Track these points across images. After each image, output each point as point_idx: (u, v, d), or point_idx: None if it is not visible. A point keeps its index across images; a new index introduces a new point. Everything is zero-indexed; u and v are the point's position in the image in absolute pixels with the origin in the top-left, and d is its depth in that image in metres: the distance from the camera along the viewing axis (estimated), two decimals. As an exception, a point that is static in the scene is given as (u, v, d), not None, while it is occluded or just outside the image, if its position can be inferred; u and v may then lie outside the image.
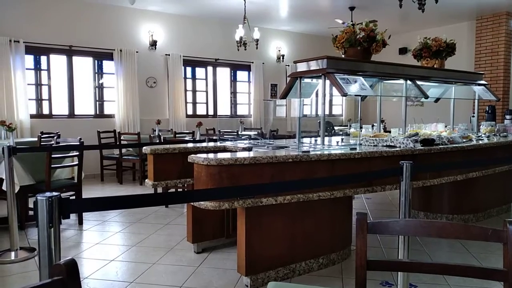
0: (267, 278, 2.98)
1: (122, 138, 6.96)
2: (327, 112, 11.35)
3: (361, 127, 4.66)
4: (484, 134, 4.74)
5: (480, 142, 4.11)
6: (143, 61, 8.21)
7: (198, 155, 2.72)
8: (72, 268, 0.94)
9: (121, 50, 7.87)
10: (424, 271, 1.31)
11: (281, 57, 10.07)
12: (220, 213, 3.65)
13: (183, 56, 8.61)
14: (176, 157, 3.39)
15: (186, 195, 2.33)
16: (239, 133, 7.30)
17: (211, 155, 2.69)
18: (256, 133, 7.22)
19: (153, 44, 8.29)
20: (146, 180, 3.47)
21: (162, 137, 6.11)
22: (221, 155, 2.68)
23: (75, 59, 7.66)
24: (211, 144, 3.81)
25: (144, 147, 3.41)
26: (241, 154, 2.83)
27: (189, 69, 8.94)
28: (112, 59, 7.90)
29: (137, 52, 8.07)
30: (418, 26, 9.41)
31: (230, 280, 3.04)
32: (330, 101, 11.19)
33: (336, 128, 8.33)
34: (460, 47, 8.78)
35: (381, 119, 8.27)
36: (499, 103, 8.14)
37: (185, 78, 8.82)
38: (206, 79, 9.20)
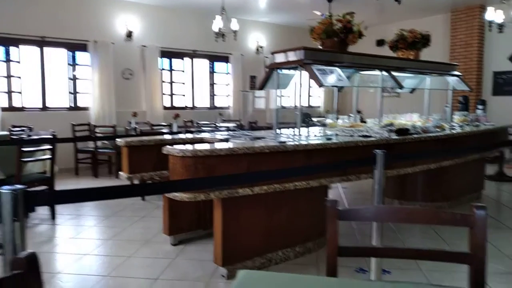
0: (243, 268, 2.97)
1: (97, 131, 6.82)
2: (305, 104, 11.47)
3: (337, 118, 4.70)
4: (457, 123, 4.84)
5: (453, 131, 4.20)
6: (119, 52, 8.03)
7: (173, 146, 2.68)
8: (32, 261, 0.90)
9: (96, 41, 7.67)
10: (394, 256, 1.33)
11: (260, 48, 10.03)
12: (196, 205, 3.62)
13: (160, 47, 8.46)
14: (151, 150, 3.34)
15: (160, 186, 2.30)
16: (218, 125, 7.25)
17: (186, 147, 2.66)
18: (235, 125, 7.18)
19: (129, 35, 8.11)
20: (120, 172, 3.41)
21: (138, 130, 6.01)
22: (196, 147, 2.65)
23: (48, 50, 7.43)
24: (188, 136, 3.77)
25: (118, 139, 3.35)
26: (217, 145, 2.81)
27: (166, 61, 8.80)
28: (86, 51, 7.70)
29: (112, 43, 7.89)
30: (395, 18, 9.51)
31: (206, 271, 3.03)
32: (309, 92, 11.26)
33: (314, 119, 8.38)
34: (436, 39, 8.93)
35: (358, 109, 8.35)
36: (472, 93, 8.33)
37: (162, 69, 8.68)
38: (184, 70, 9.08)
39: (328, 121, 4.70)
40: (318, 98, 11.48)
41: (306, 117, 7.30)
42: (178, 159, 2.59)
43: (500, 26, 6.62)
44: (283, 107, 10.17)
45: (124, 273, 3.05)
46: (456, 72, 5.09)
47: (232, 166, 2.67)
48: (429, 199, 4.57)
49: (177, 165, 2.59)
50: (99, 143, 6.96)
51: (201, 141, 3.53)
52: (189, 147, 2.64)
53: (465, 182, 4.87)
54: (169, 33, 8.64)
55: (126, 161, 3.26)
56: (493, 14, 6.59)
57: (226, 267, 2.91)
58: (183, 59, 9.01)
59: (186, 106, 9.13)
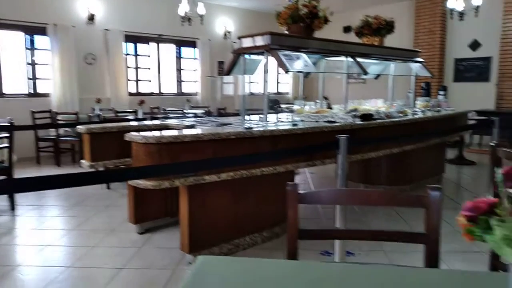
0: (211, 254, 2.98)
1: (58, 118, 6.57)
2: (274, 90, 11.45)
3: (304, 104, 4.73)
4: (420, 109, 4.99)
5: (415, 116, 4.33)
6: (81, 36, 7.71)
7: (136, 133, 2.61)
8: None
9: (55, 25, 7.33)
10: (353, 238, 1.35)
11: (228, 33, 9.91)
12: (163, 193, 3.57)
13: (124, 31, 8.19)
14: (114, 137, 3.24)
15: (122, 173, 2.24)
16: (185, 111, 7.14)
17: (149, 133, 2.60)
18: (202, 111, 7.10)
19: (91, 18, 7.80)
20: (82, 161, 3.30)
21: (101, 117, 5.83)
22: (160, 133, 2.60)
23: (3, 33, 7.03)
24: (153, 122, 3.69)
25: (79, 126, 3.24)
26: (182, 132, 2.77)
27: (131, 45, 8.54)
28: (45, 34, 7.34)
29: (73, 26, 7.56)
30: (362, 5, 9.60)
31: (173, 258, 3.01)
32: (278, 78, 11.27)
33: (283, 105, 8.41)
34: (401, 26, 9.11)
35: (324, 96, 8.43)
36: (435, 79, 8.59)
37: (127, 54, 8.43)
38: (149, 55, 8.85)
39: (295, 107, 4.72)
40: (286, 84, 11.52)
41: (275, 103, 7.31)
42: (141, 146, 2.53)
43: (461, 14, 6.82)
44: (252, 94, 10.15)
45: (88, 263, 2.98)
46: (419, 59, 5.21)
47: (197, 152, 2.64)
48: (393, 182, 4.71)
49: (140, 152, 2.54)
50: (61, 131, 6.71)
51: (166, 127, 3.46)
52: (152, 133, 2.58)
53: (427, 166, 5.05)
54: (133, 16, 8.37)
55: (88, 149, 3.16)
56: (454, 2, 6.78)
57: (193, 254, 2.90)
58: (148, 43, 8.78)
59: (152, 92, 8.94)
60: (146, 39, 8.67)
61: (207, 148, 2.69)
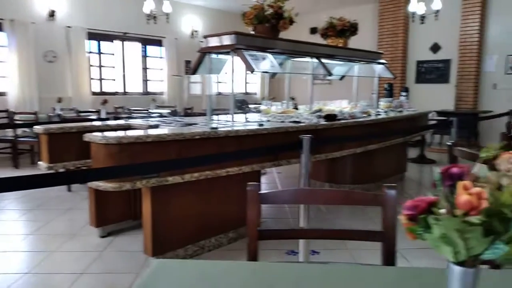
0: (175, 257, 2.94)
1: (16, 118, 6.28)
2: (242, 90, 11.43)
3: (271, 105, 4.74)
4: (383, 109, 5.12)
5: (378, 117, 4.43)
6: (41, 33, 7.41)
7: (96, 133, 2.53)
8: None
9: (12, 20, 7.00)
10: (312, 237, 1.36)
11: (195, 32, 9.81)
12: (126, 194, 3.49)
13: (87, 28, 7.95)
14: (74, 137, 3.12)
15: (81, 175, 2.16)
16: (151, 111, 7.00)
17: (109, 134, 2.52)
18: (169, 111, 6.98)
19: (52, 14, 7.51)
20: (40, 162, 3.17)
21: (62, 116, 5.62)
22: (121, 133, 2.53)
23: (-45, 27, 6.67)
24: (115, 122, 3.59)
25: (36, 127, 3.10)
26: (144, 132, 2.70)
27: (94, 43, 8.28)
28: (2, 30, 7.01)
29: (32, 23, 7.25)
30: (328, 6, 9.75)
31: (136, 262, 2.94)
32: (246, 78, 11.27)
33: (251, 105, 8.42)
34: (365, 28, 9.34)
35: (292, 96, 8.48)
36: (397, 80, 8.85)
37: (90, 52, 8.18)
38: (114, 54, 8.63)
39: (262, 107, 4.73)
40: (255, 84, 11.54)
41: (243, 103, 7.30)
42: (101, 146, 2.45)
43: (422, 18, 7.06)
44: (220, 93, 10.11)
45: (47, 269, 2.86)
46: (382, 60, 5.35)
47: (160, 153, 2.59)
48: (357, 181, 4.81)
49: (100, 153, 2.46)
50: (19, 131, 6.42)
51: (129, 127, 3.38)
52: (112, 133, 2.50)
53: (390, 165, 5.18)
54: (97, 14, 8.13)
55: (45, 150, 3.03)
56: (416, 6, 7.01)
57: (156, 257, 2.84)
58: (113, 41, 8.55)
59: (116, 92, 8.71)
60: (110, 37, 8.45)
61: (170, 149, 2.64)
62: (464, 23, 8.15)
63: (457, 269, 0.49)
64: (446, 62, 8.65)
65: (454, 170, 0.49)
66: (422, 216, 0.49)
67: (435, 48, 8.81)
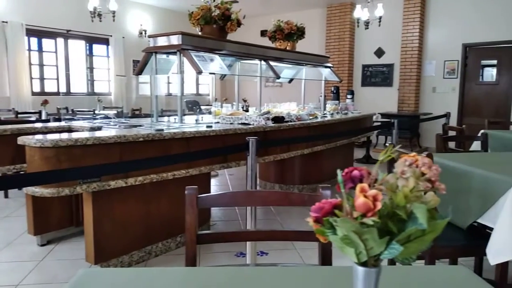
0: (120, 264, 2.84)
1: None
2: (194, 91, 11.30)
3: (222, 106, 4.72)
4: (329, 112, 5.26)
5: (324, 119, 4.55)
6: (-27, 27, 6.90)
7: (30, 136, 2.39)
8: None
9: None
10: (254, 238, 1.36)
11: (144, 32, 9.56)
12: (67, 200, 3.33)
13: (26, 24, 7.50)
14: (8, 140, 2.94)
15: (12, 180, 2.02)
16: (97, 112, 6.74)
17: (45, 136, 2.39)
18: (115, 112, 6.76)
19: (-14, 8, 7.02)
20: (-32, 167, 2.94)
21: (-2, 118, 5.26)
22: (57, 136, 2.40)
23: None
24: (55, 124, 3.41)
25: (-37, 129, 2.87)
26: (84, 135, 2.59)
27: (34, 40, 7.84)
28: None
29: (-37, 16, 6.74)
30: (279, 10, 9.90)
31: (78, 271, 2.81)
32: (197, 80, 11.16)
33: (203, 107, 8.35)
34: (314, 32, 9.59)
35: (244, 98, 8.51)
36: (344, 83, 9.16)
37: (30, 50, 7.73)
38: (56, 52, 8.21)
39: (213, 109, 4.71)
40: (207, 86, 11.45)
41: (194, 105, 7.22)
42: (36, 150, 2.32)
43: (367, 23, 7.36)
44: (170, 94, 9.93)
45: (-24, 282, 2.66)
46: (328, 64, 5.50)
47: (101, 156, 2.49)
48: (306, 181, 4.91)
49: (35, 157, 2.32)
50: None
51: (69, 129, 3.23)
52: (49, 136, 2.38)
53: (337, 165, 5.29)
54: (37, 9, 7.70)
55: (-26, 154, 2.82)
56: (360, 12, 7.29)
57: (99, 264, 2.73)
58: (55, 39, 8.14)
59: (59, 92, 8.29)
60: (52, 34, 8.03)
61: (112, 152, 2.55)
62: (405, 29, 8.60)
63: (360, 269, 0.51)
64: (390, 66, 9.08)
65: (355, 173, 0.51)
66: (325, 218, 0.51)
67: (379, 52, 9.21)
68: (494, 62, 8.00)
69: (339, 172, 0.56)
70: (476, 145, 3.78)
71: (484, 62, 8.14)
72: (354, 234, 0.46)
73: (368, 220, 0.46)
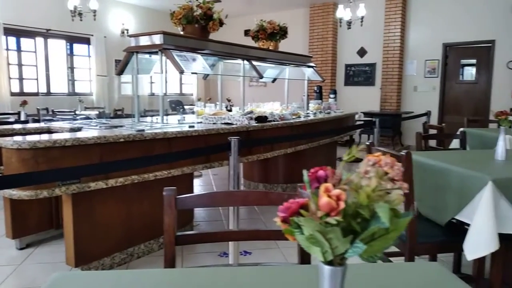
0: (101, 266, 2.80)
1: None
2: (178, 91, 11.23)
3: (205, 106, 4.71)
4: (312, 111, 5.29)
5: (307, 118, 4.58)
6: None
7: (7, 138, 2.34)
8: None
9: None
10: (234, 239, 1.37)
11: (126, 31, 9.45)
12: (46, 202, 3.27)
13: (4, 23, 7.33)
14: (-16, 142, 2.87)
15: (-12, 184, 1.97)
16: (78, 112, 6.63)
17: (23, 138, 2.34)
18: (97, 112, 6.66)
19: (-39, 6, 6.83)
20: None
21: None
22: (35, 137, 2.36)
23: None
24: (33, 125, 3.35)
25: None
26: (63, 136, 2.55)
27: (12, 40, 7.67)
28: None
29: None
30: (262, 10, 9.91)
31: (57, 274, 2.76)
32: (181, 79, 11.09)
33: (186, 107, 8.30)
34: (297, 31, 9.63)
35: (228, 98, 8.49)
36: (327, 83, 9.23)
37: (8, 49, 7.55)
38: (35, 51, 8.04)
39: (196, 108, 4.69)
40: (190, 85, 11.39)
41: (178, 104, 7.17)
42: (13, 152, 2.27)
43: (349, 23, 7.43)
44: (153, 94, 9.84)
45: (-49, 288, 2.59)
46: (311, 64, 5.53)
47: (81, 158, 2.45)
48: (289, 181, 4.93)
49: (13, 159, 2.27)
50: None
51: (48, 131, 3.17)
52: (27, 138, 2.33)
53: (320, 164, 5.31)
54: (15, 7, 7.53)
55: None
56: (343, 12, 7.35)
57: (80, 267, 2.69)
58: (34, 39, 7.98)
59: (39, 92, 8.14)
60: (31, 34, 7.87)
61: (92, 153, 2.51)
62: (387, 29, 8.71)
63: (326, 268, 0.52)
64: (372, 65, 9.18)
65: (320, 173, 0.52)
66: (291, 218, 0.51)
67: (362, 52, 9.31)
68: (474, 61, 8.17)
69: (304, 172, 0.56)
70: (455, 143, 3.85)
71: (464, 61, 8.30)
72: (319, 234, 0.47)
73: (331, 220, 0.46)
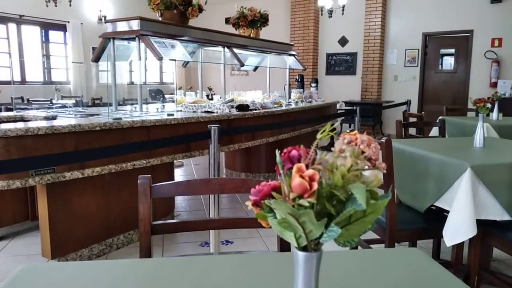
0: (79, 258, 2.74)
1: None
2: (158, 80, 11.04)
3: (185, 94, 4.63)
4: (294, 100, 5.28)
5: (289, 107, 4.56)
6: None
7: (-24, 126, 2.24)
8: None
9: None
10: (212, 227, 1.34)
11: (103, 18, 9.20)
12: (21, 193, 3.17)
13: (-26, 9, 7.04)
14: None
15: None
16: (54, 101, 6.44)
17: (-7, 126, 2.25)
18: (74, 101, 6.49)
19: None
20: None
21: None
22: (6, 125, 2.27)
23: None
24: (5, 114, 3.23)
25: None
26: (36, 124, 2.45)
27: (-17, 26, 7.38)
28: None
29: None
30: (243, -3, 9.77)
31: (33, 266, 2.69)
32: (161, 68, 10.91)
33: (167, 96, 8.17)
34: (279, 19, 9.55)
35: (209, 87, 8.39)
36: (309, 72, 9.22)
37: (-21, 36, 7.27)
38: (8, 38, 7.76)
39: (176, 97, 4.61)
40: (171, 74, 11.21)
41: (158, 93, 7.05)
42: (-18, 141, 2.17)
43: (330, 12, 7.40)
44: (133, 83, 9.64)
45: None
46: (292, 52, 5.50)
47: (55, 147, 2.37)
48: (271, 170, 4.91)
49: (-18, 148, 2.18)
50: None
51: (21, 119, 3.06)
52: (-3, 126, 2.24)
53: (302, 153, 5.37)
54: (-14, -8, 7.23)
55: None
56: (324, 0, 7.31)
57: (57, 259, 2.62)
58: (6, 25, 7.68)
59: (13, 81, 7.87)
60: (3, 19, 7.57)
61: (67, 142, 2.43)
62: (368, 18, 8.72)
63: (300, 254, 0.49)
64: (353, 55, 9.21)
65: (293, 153, 0.49)
66: (263, 202, 0.48)
67: (343, 41, 9.32)
68: (452, 51, 8.28)
69: (277, 152, 0.53)
70: (434, 131, 3.90)
71: (443, 51, 8.41)
72: (291, 217, 0.44)
73: (304, 202, 0.44)
